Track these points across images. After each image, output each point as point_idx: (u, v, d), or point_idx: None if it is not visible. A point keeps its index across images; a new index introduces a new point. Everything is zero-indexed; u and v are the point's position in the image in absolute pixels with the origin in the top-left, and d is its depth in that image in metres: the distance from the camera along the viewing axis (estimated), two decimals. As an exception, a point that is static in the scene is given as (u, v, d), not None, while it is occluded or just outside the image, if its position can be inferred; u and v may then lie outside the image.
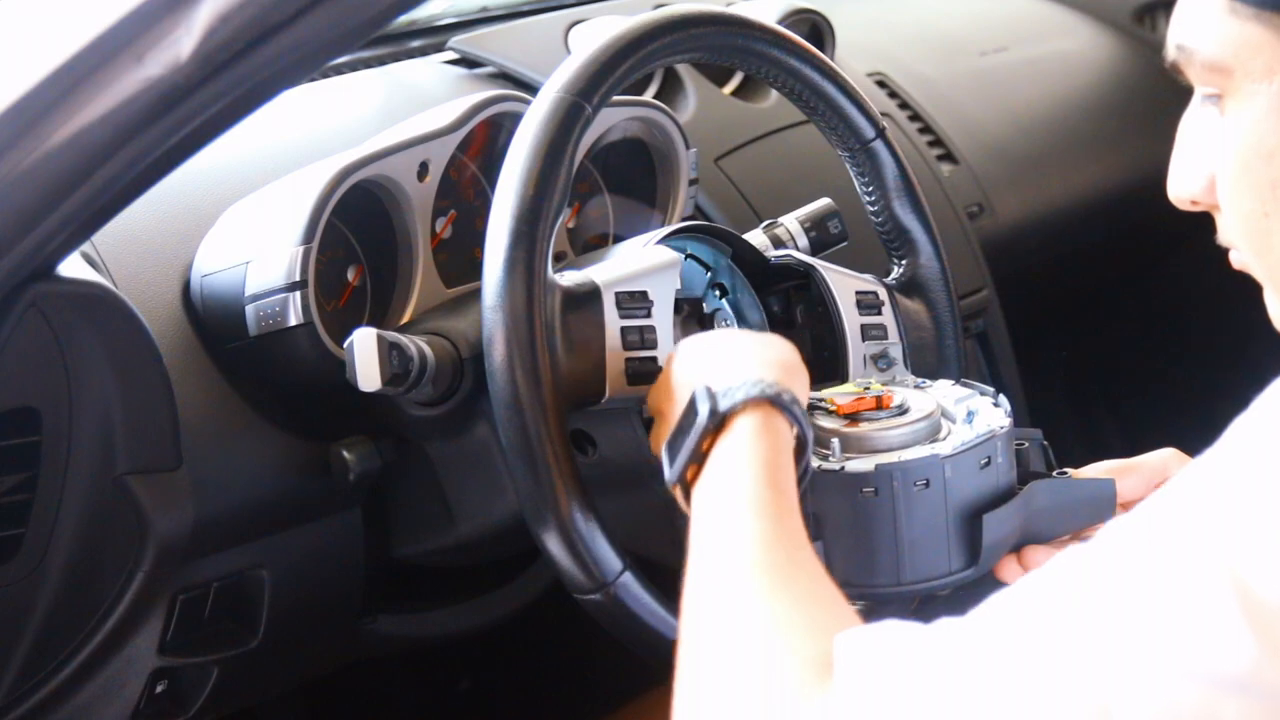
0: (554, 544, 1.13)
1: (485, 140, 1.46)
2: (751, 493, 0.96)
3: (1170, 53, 0.91)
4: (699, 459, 1.02)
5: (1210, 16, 0.87)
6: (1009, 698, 0.72)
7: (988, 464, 1.14)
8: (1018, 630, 0.74)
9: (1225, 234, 0.93)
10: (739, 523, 0.93)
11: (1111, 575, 0.73)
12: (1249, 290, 1.00)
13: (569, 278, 1.22)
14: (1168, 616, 0.70)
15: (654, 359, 1.22)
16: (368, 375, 1.20)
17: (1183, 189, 0.94)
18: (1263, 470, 0.72)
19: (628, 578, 1.14)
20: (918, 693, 0.75)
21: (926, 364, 1.39)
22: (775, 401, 1.03)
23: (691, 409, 1.03)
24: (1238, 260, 0.94)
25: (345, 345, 1.21)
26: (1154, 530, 0.74)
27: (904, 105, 2.15)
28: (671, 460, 1.03)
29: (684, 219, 1.56)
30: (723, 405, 1.02)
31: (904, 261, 1.41)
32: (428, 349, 1.25)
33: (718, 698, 0.84)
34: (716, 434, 1.02)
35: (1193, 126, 0.93)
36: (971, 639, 0.76)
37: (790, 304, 1.39)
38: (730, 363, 1.08)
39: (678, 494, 1.03)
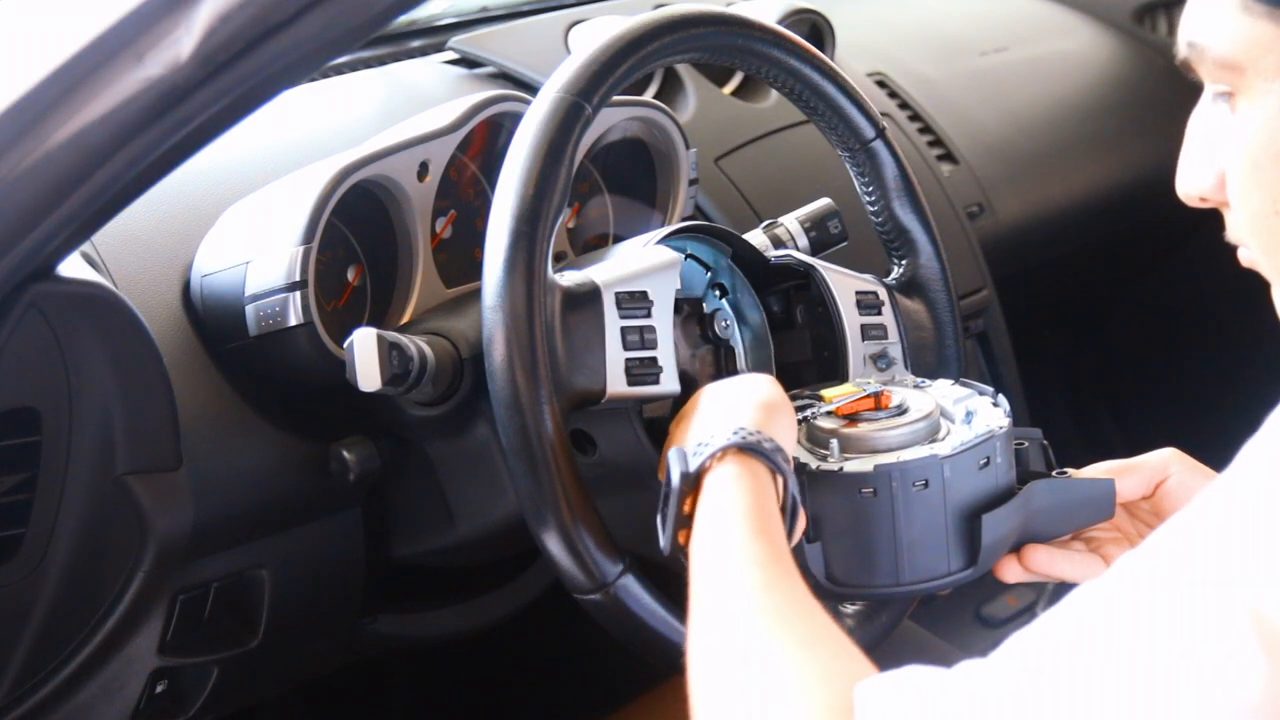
0: (554, 544, 1.13)
1: (485, 140, 1.46)
2: (740, 544, 0.95)
3: (1181, 50, 0.91)
4: (684, 523, 1.02)
5: (1223, 14, 0.87)
6: None
7: (986, 464, 1.14)
8: (1038, 673, 0.74)
9: (1234, 231, 0.93)
10: (732, 577, 0.93)
11: (1127, 612, 0.73)
12: (1249, 290, 1.00)
13: (569, 278, 1.22)
14: (1184, 651, 0.70)
15: (654, 359, 1.22)
16: (368, 375, 1.20)
17: (1192, 186, 0.94)
18: (1277, 498, 0.72)
19: (628, 578, 1.14)
20: None
21: (926, 364, 1.39)
22: (746, 447, 1.03)
23: (668, 477, 1.04)
24: (1246, 258, 0.94)
25: (345, 345, 1.21)
26: (1168, 564, 0.73)
27: (904, 105, 2.15)
28: (662, 529, 1.04)
29: (684, 219, 1.56)
30: (693, 465, 1.03)
31: (904, 261, 1.41)
32: (428, 349, 1.25)
33: None
34: (695, 494, 1.02)
35: (1202, 123, 0.93)
36: (993, 685, 0.75)
37: (790, 304, 1.39)
38: (707, 418, 1.08)
39: (680, 560, 1.03)
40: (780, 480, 1.04)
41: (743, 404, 1.08)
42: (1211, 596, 0.70)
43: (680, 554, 1.02)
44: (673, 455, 1.04)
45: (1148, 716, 0.70)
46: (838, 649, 0.85)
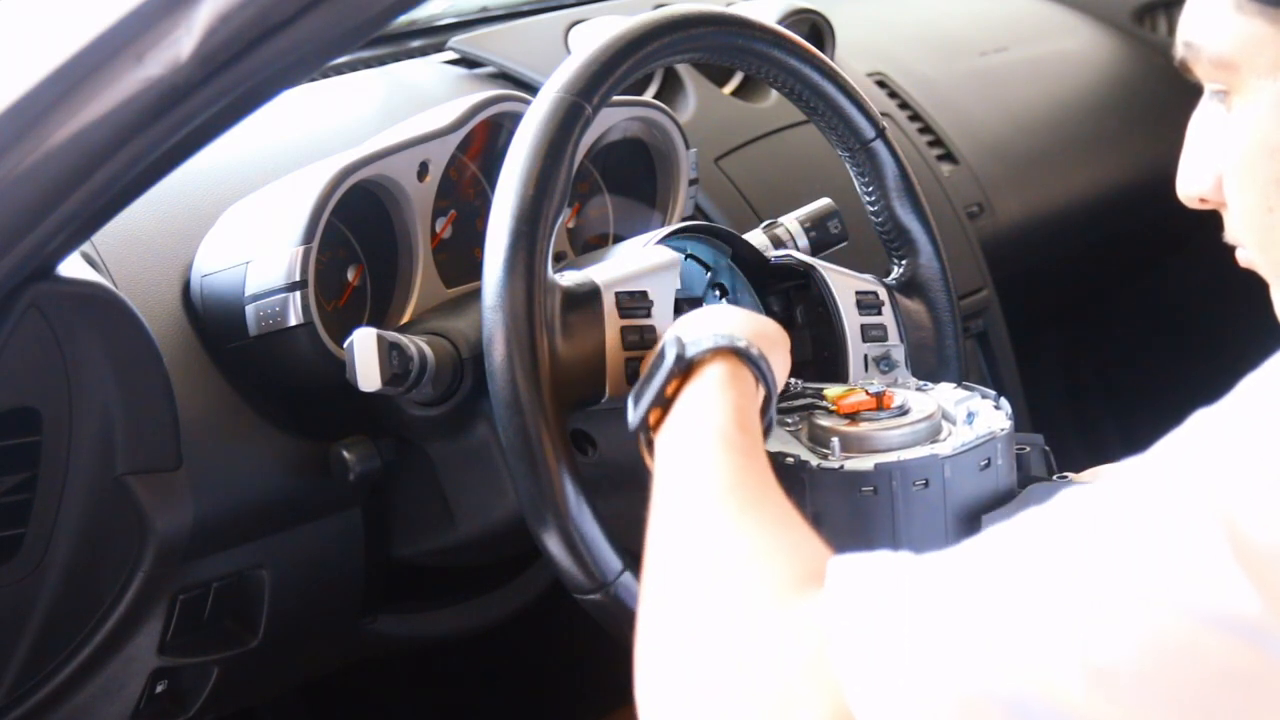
0: (554, 544, 1.13)
1: (485, 140, 1.46)
2: (718, 431, 0.96)
3: (1179, 50, 0.91)
4: (663, 403, 1.03)
5: (1218, 13, 0.88)
6: (997, 623, 0.71)
7: (987, 465, 1.14)
8: (1011, 558, 0.73)
9: (1231, 231, 0.94)
10: (706, 457, 0.94)
11: (1102, 513, 0.73)
12: (1249, 290, 1.00)
13: (569, 278, 1.22)
14: (1154, 552, 0.70)
15: (654, 359, 1.22)
16: (368, 375, 1.20)
17: (1191, 187, 0.95)
18: (1263, 417, 0.71)
19: (628, 578, 1.14)
20: (911, 602, 0.74)
21: (926, 364, 1.39)
22: (742, 354, 1.04)
23: (660, 356, 1.05)
24: (1244, 258, 0.94)
25: (345, 345, 1.21)
26: (1150, 471, 0.74)
27: (904, 105, 2.15)
28: (636, 403, 1.04)
29: (684, 219, 1.56)
30: (690, 352, 1.04)
31: (904, 261, 1.41)
32: (428, 349, 1.25)
33: (691, 618, 0.82)
34: (683, 380, 1.03)
35: (1202, 124, 0.94)
36: (967, 565, 0.74)
37: (790, 304, 1.39)
38: (707, 321, 1.09)
39: (639, 441, 1.04)
40: (763, 393, 1.05)
41: (746, 326, 1.09)
42: (1186, 502, 0.70)
43: (645, 435, 1.03)
44: (669, 340, 1.05)
45: (1105, 613, 0.69)
46: (806, 535, 0.86)
